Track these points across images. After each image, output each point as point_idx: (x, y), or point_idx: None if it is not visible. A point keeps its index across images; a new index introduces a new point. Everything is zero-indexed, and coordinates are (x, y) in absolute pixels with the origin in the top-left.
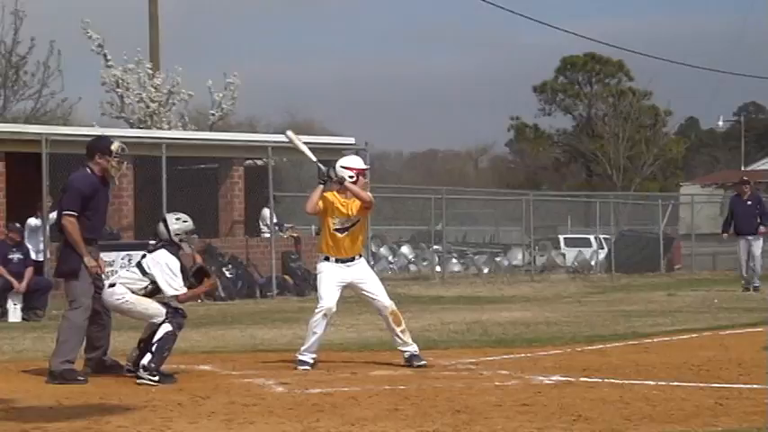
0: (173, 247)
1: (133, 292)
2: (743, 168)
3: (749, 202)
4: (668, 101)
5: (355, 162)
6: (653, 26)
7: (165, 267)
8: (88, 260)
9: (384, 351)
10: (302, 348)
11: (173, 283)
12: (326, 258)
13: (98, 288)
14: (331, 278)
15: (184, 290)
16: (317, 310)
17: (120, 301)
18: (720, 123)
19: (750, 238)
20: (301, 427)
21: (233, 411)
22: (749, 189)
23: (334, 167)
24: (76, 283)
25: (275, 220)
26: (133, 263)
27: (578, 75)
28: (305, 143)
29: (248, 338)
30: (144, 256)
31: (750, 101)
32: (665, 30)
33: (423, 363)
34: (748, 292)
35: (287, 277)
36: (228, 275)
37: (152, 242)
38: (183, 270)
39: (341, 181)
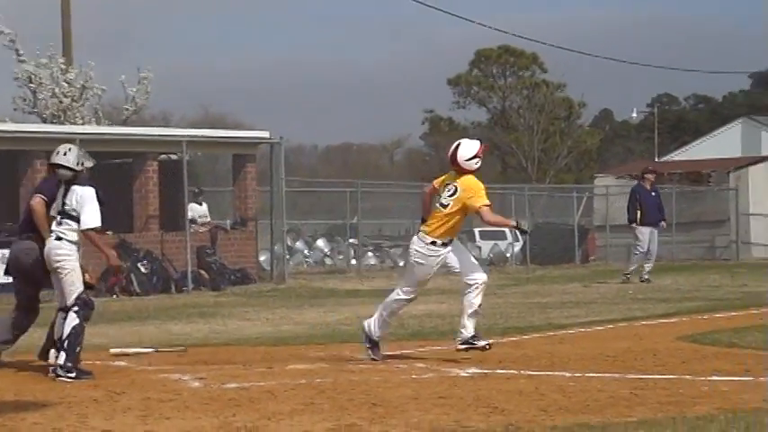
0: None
1: (73, 243)
2: (656, 159)
3: (653, 193)
4: (582, 93)
5: (475, 148)
6: (566, 19)
7: (91, 199)
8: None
9: (299, 345)
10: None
11: (95, 216)
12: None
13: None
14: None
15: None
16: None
17: (61, 262)
18: (634, 115)
19: (655, 230)
20: (218, 421)
21: (149, 407)
22: (653, 179)
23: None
24: None
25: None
26: None
27: (492, 67)
28: (220, 137)
29: (164, 333)
30: (65, 195)
31: (663, 92)
32: (579, 23)
33: (485, 344)
34: (642, 283)
35: (202, 272)
36: (144, 270)
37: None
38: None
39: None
